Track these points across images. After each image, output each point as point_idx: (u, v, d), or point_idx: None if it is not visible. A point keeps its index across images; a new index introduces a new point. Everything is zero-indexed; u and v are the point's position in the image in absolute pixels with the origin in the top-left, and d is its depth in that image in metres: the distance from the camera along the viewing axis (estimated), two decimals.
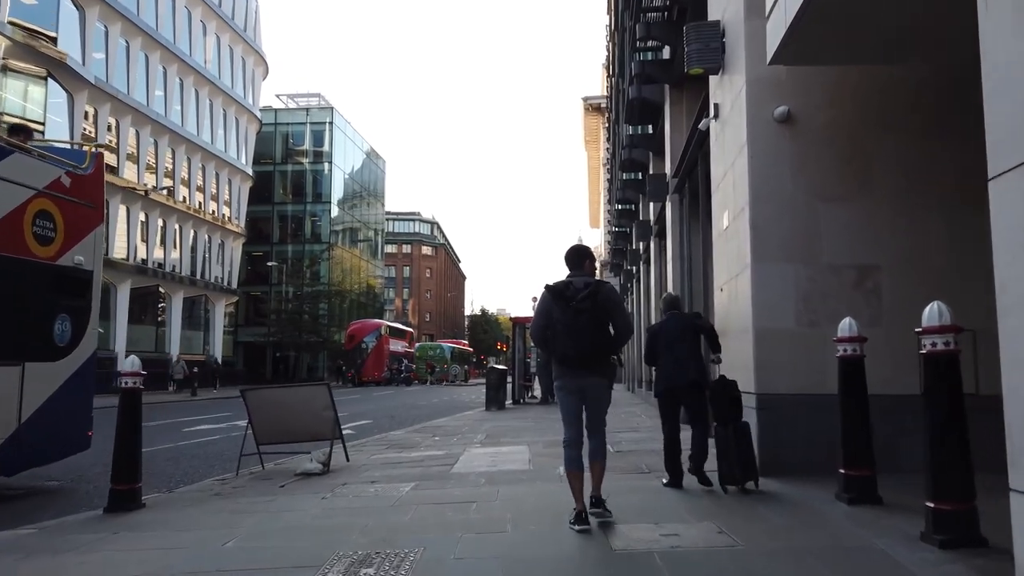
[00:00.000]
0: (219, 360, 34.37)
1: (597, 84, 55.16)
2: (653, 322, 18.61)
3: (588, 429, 4.58)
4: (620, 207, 24.00)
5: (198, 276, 38.76)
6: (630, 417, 14.06)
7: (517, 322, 21.21)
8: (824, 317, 6.16)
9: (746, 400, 6.35)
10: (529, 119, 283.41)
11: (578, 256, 4.72)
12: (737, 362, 6.80)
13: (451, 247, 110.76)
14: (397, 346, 52.90)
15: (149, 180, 33.74)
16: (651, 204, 16.12)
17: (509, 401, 19.41)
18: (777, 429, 6.06)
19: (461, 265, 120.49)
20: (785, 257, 6.26)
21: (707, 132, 8.95)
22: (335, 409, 7.87)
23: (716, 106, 7.84)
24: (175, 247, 36.71)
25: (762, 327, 6.20)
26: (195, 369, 31.09)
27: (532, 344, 25.01)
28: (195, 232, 38.33)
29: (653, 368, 6.04)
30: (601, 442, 4.62)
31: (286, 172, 54.90)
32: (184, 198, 37.08)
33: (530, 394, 21.35)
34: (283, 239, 53.73)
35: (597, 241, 64.72)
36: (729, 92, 7.18)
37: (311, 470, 7.43)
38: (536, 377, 20.66)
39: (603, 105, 45.50)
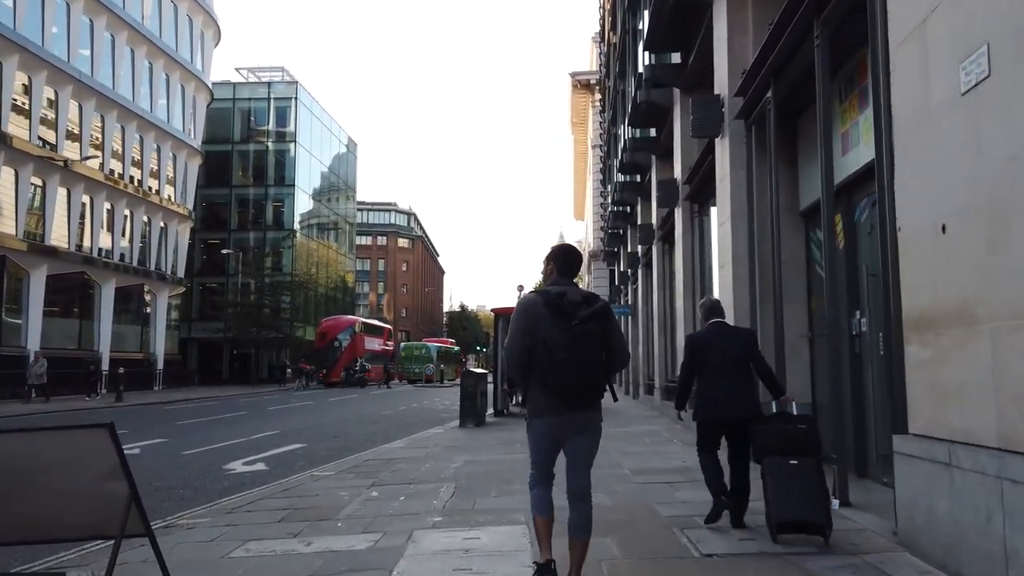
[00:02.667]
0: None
1: (585, 62, 51.05)
2: (676, 310, 14.40)
3: (575, 482, 3.51)
4: (626, 178, 20.05)
5: (134, 263, 34.03)
6: (659, 443, 10.02)
7: (500, 314, 17.14)
8: None
9: None
10: (511, 104, 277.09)
11: (573, 261, 3.70)
12: None
13: (429, 240, 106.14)
14: (373, 344, 48.54)
15: (72, 151, 29.00)
16: (677, 151, 12.07)
17: (490, 411, 15.50)
18: None
19: (440, 259, 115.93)
20: None
21: None
22: (130, 475, 3.70)
23: None
24: (105, 229, 31.86)
25: None
26: (121, 370, 26.52)
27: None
28: (130, 212, 33.51)
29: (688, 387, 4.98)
30: (589, 506, 3.50)
31: (246, 153, 50.07)
32: (114, 171, 32.18)
33: (514, 401, 17.43)
34: (242, 225, 48.93)
35: (580, 235, 60.67)
36: None
37: None
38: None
39: (593, 81, 41.48)
